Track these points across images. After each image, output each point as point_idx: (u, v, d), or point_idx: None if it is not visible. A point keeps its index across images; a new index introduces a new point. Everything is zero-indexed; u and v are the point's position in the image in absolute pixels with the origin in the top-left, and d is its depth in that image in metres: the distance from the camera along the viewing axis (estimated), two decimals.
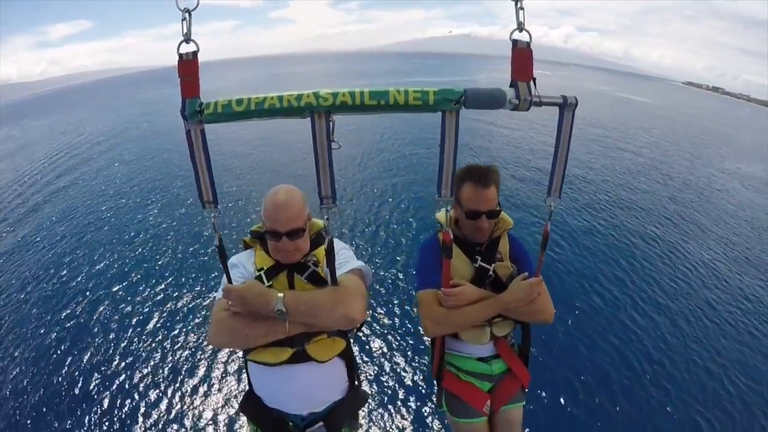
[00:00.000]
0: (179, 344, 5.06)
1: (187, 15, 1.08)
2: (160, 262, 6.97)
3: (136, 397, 4.33)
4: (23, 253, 7.77)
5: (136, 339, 5.20)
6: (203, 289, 6.10)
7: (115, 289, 6.26)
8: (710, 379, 4.69)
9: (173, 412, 4.13)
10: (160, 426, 3.99)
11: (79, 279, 6.63)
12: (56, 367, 4.78)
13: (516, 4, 1.18)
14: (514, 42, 1.20)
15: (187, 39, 1.11)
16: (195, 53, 1.14)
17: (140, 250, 7.47)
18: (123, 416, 4.13)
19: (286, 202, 1.44)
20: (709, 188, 13.18)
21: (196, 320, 5.45)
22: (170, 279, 6.41)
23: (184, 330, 5.29)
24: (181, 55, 1.12)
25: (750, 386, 4.60)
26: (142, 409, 4.17)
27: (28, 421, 4.11)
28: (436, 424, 3.83)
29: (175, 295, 6.02)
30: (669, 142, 21.13)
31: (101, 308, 5.83)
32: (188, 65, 1.14)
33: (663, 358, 4.95)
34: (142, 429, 3.97)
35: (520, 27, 1.18)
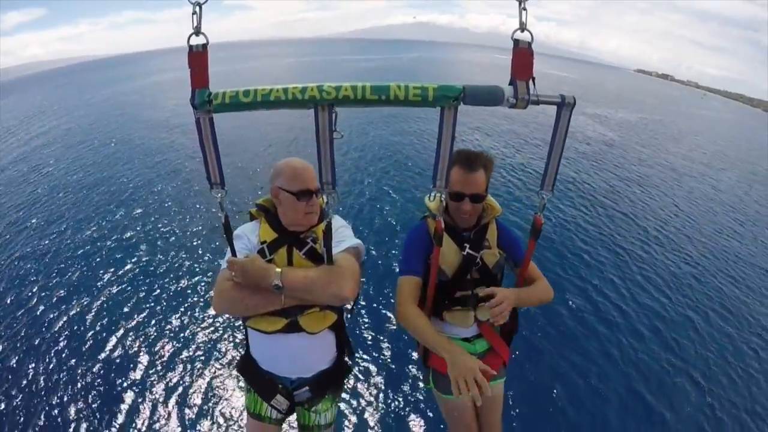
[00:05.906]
0: (184, 309, 5.31)
1: (197, 8, 1.12)
2: (166, 235, 7.24)
3: (146, 349, 4.64)
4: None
5: (145, 298, 5.49)
6: (209, 259, 6.38)
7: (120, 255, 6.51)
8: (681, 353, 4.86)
9: (176, 367, 4.43)
10: (160, 374, 4.30)
11: (81, 241, 6.88)
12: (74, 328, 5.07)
13: (519, 5, 1.19)
14: (516, 41, 1.22)
15: (197, 32, 1.14)
16: (205, 45, 1.17)
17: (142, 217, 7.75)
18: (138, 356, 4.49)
19: (306, 165, 1.57)
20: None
21: (201, 289, 5.71)
22: (177, 251, 6.68)
23: (189, 296, 5.55)
24: (191, 47, 1.16)
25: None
26: (147, 360, 4.49)
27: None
28: (421, 397, 4.05)
29: (181, 263, 6.27)
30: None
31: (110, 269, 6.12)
32: (198, 57, 1.18)
33: (644, 338, 5.12)
34: (145, 374, 4.28)
35: (522, 27, 1.20)
